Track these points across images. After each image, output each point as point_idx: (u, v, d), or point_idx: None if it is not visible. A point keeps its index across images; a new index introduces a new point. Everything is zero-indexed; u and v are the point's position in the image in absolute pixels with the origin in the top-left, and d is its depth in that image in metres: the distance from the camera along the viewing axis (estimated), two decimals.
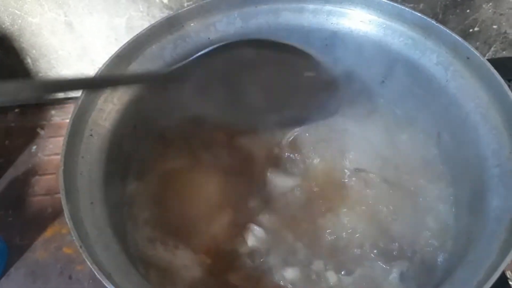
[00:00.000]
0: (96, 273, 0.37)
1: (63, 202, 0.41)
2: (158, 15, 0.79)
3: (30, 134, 0.89)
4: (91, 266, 0.38)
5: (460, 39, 0.51)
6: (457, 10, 0.83)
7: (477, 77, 0.51)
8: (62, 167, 0.44)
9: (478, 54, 0.50)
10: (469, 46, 0.51)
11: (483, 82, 0.50)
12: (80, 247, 0.38)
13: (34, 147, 0.87)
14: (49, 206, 0.78)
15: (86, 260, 0.38)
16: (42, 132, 0.89)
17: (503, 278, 0.58)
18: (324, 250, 0.53)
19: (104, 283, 0.37)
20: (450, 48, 0.53)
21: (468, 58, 0.51)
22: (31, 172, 0.83)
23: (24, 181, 0.82)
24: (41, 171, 0.83)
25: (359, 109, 0.63)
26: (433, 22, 0.53)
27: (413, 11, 0.54)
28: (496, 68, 0.50)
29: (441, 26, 0.53)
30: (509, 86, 0.80)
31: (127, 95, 0.53)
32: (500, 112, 0.48)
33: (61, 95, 0.93)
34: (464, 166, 0.51)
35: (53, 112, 0.93)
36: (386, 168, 0.58)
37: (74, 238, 0.39)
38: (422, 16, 0.54)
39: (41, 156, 0.86)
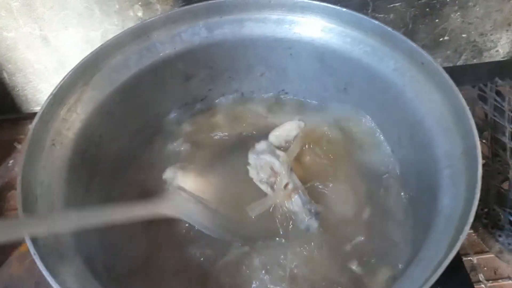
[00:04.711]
0: (49, 279, 0.37)
1: (19, 210, 0.42)
2: None
3: (7, 148, 0.89)
4: (44, 273, 0.38)
5: (414, 45, 0.53)
6: (426, 20, 0.85)
7: (432, 81, 0.52)
8: (21, 177, 0.44)
9: (431, 59, 0.51)
10: (423, 52, 0.52)
11: (437, 86, 0.51)
12: (34, 254, 0.39)
13: (11, 161, 0.87)
14: None
15: (39, 267, 0.38)
16: (19, 146, 0.89)
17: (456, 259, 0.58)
18: None
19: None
20: (406, 54, 0.54)
21: (422, 63, 0.52)
22: (7, 187, 0.83)
23: None
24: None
25: None
26: (389, 29, 0.54)
27: (371, 19, 0.56)
28: (464, 74, 0.52)
29: (397, 33, 0.54)
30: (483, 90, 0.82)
31: (92, 104, 0.54)
32: (452, 114, 0.49)
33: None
34: (421, 168, 0.52)
35: (30, 126, 0.93)
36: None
37: (28, 246, 0.39)
38: (380, 24, 0.55)
39: (18, 170, 0.86)
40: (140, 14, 0.80)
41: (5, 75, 0.86)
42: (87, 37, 0.82)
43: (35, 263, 0.71)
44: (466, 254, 0.67)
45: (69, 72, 0.52)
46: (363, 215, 0.56)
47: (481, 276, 0.65)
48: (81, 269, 0.42)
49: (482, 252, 0.67)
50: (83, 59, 0.54)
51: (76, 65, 0.53)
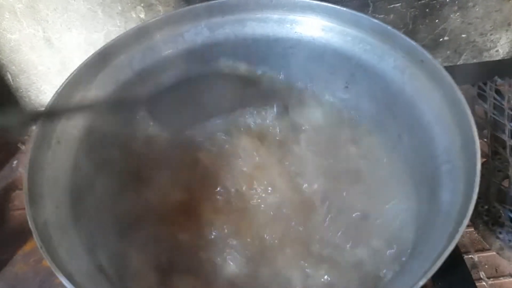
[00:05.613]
0: (56, 272, 0.38)
1: (26, 206, 0.42)
2: None
3: (11, 149, 0.89)
4: (50, 266, 0.38)
5: (414, 43, 0.54)
6: (426, 20, 0.85)
7: (431, 78, 0.53)
8: (27, 174, 0.45)
9: (430, 57, 0.52)
10: (423, 50, 0.53)
11: (436, 83, 0.52)
12: (40, 247, 0.39)
13: (15, 162, 0.88)
14: None
15: (46, 260, 0.39)
16: (23, 147, 0.90)
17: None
18: None
19: (64, 283, 0.38)
20: (406, 52, 0.55)
21: (422, 61, 0.53)
22: (12, 187, 0.84)
23: (4, 195, 0.82)
24: (21, 186, 0.82)
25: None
26: (389, 27, 0.55)
27: (370, 18, 0.57)
28: (464, 73, 0.52)
29: (396, 31, 0.55)
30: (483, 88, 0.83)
31: (96, 103, 0.55)
32: (451, 110, 0.49)
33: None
34: (421, 165, 0.53)
35: (34, 127, 0.94)
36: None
37: (35, 239, 0.40)
38: (379, 22, 0.56)
39: (22, 171, 0.86)
40: (142, 15, 0.81)
41: (9, 76, 0.87)
42: (90, 39, 0.83)
43: (39, 262, 0.74)
44: (467, 252, 0.67)
45: (74, 71, 0.53)
46: None
47: (482, 274, 0.65)
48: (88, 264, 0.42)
49: (483, 250, 0.68)
50: (87, 58, 0.55)
51: (80, 65, 0.54)
